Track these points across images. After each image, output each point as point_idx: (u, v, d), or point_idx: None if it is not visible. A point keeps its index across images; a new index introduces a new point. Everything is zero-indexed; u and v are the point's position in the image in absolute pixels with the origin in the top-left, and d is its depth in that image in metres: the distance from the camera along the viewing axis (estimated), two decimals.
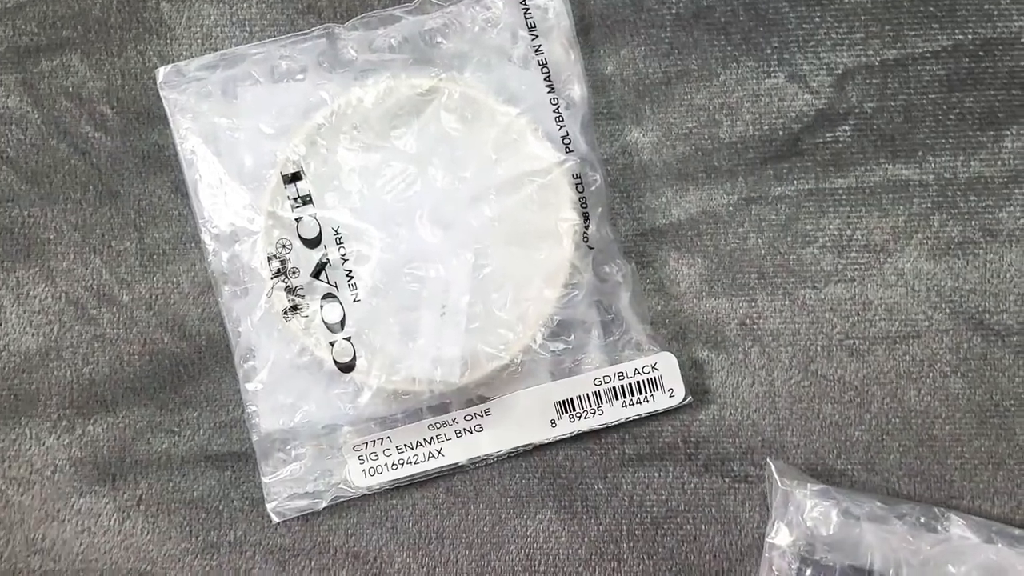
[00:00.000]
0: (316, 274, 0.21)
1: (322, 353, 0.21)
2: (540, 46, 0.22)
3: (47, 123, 0.22)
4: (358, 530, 0.22)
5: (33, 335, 0.22)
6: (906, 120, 0.21)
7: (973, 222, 0.21)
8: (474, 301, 0.21)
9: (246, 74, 0.22)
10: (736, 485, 0.21)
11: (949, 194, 0.21)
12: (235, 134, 0.22)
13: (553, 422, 0.21)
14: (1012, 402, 0.21)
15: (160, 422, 0.22)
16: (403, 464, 0.21)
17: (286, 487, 0.21)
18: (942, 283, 0.21)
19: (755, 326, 0.21)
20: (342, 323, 0.21)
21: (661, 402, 0.21)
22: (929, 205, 0.21)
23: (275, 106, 0.22)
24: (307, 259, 0.21)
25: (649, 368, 0.21)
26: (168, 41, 0.22)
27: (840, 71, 0.21)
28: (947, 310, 0.21)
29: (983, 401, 0.21)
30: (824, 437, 0.21)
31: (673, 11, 0.22)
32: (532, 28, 0.22)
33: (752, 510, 0.21)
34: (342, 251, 0.21)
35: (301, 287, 0.21)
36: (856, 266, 0.21)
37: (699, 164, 0.22)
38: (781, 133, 0.22)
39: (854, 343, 0.21)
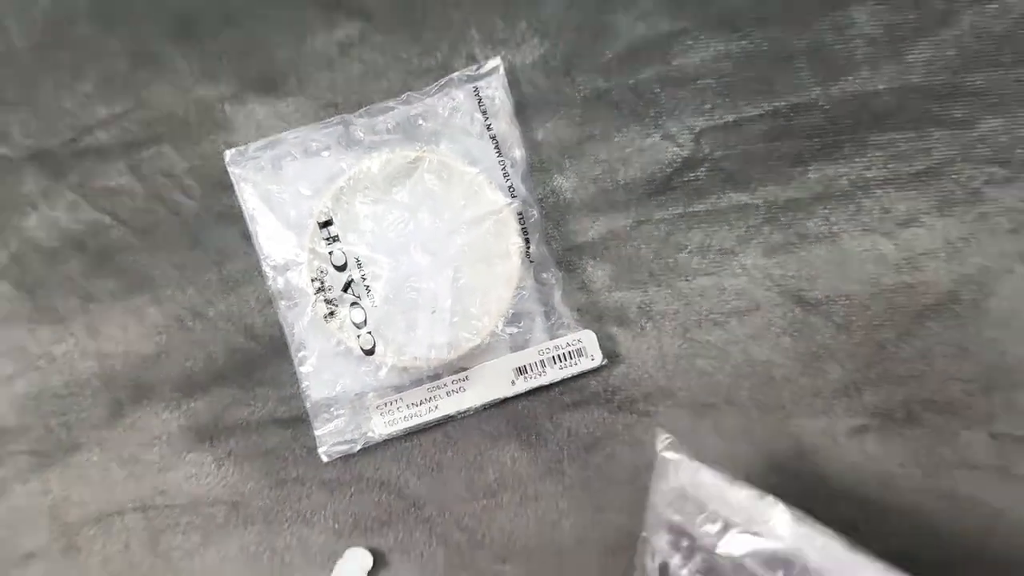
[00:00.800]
0: (344, 289, 0.30)
1: (352, 343, 0.30)
2: (490, 124, 0.31)
3: (149, 194, 0.31)
4: (382, 464, 0.31)
5: (148, 343, 0.31)
6: (743, 162, 0.31)
7: (791, 230, 0.30)
8: (454, 304, 0.30)
9: (287, 152, 0.31)
10: (640, 419, 0.30)
11: (774, 212, 0.30)
12: (282, 195, 0.31)
13: (513, 382, 0.30)
14: (824, 350, 0.30)
15: (241, 398, 0.31)
16: (411, 417, 0.30)
17: (331, 437, 0.30)
18: (773, 272, 0.30)
19: (648, 309, 0.31)
20: (365, 322, 0.30)
21: (585, 365, 0.30)
22: (760, 220, 0.30)
23: (309, 175, 0.31)
24: (338, 280, 0.30)
25: (576, 342, 0.30)
26: (231, 132, 0.31)
27: (697, 131, 0.31)
28: (777, 290, 0.30)
29: (805, 352, 0.30)
30: (699, 383, 0.30)
31: (581, 94, 0.31)
32: (484, 112, 0.31)
33: (651, 436, 0.30)
34: (362, 273, 0.30)
35: (335, 299, 0.30)
36: (714, 264, 0.31)
37: (604, 200, 0.31)
38: (659, 175, 0.31)
39: (716, 317, 0.30)
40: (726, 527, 0.30)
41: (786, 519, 0.29)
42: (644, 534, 0.30)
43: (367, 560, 0.30)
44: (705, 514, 0.29)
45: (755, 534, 0.29)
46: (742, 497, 0.29)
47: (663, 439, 0.29)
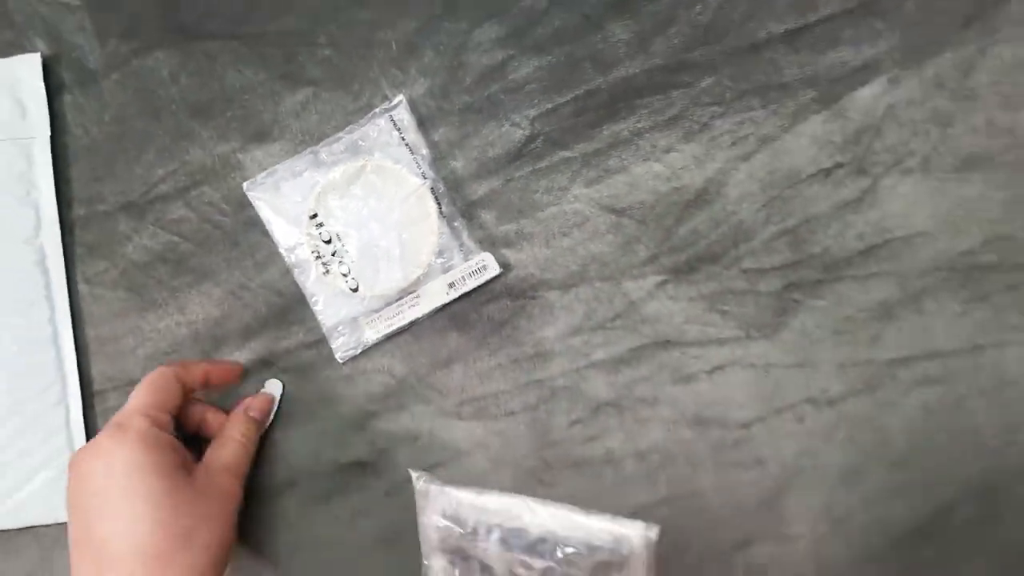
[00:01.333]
0: (332, 254, 0.48)
1: (343, 287, 0.48)
2: (403, 136, 0.48)
3: (200, 218, 0.49)
4: (376, 358, 0.49)
5: (217, 311, 0.49)
6: (562, 132, 0.49)
7: (600, 168, 0.48)
8: (402, 251, 0.48)
9: (282, 177, 0.49)
10: (530, 301, 0.48)
11: (587, 158, 0.48)
12: (284, 204, 0.49)
13: (447, 293, 0.48)
14: (633, 238, 0.48)
15: (281, 335, 0.49)
16: (389, 326, 0.48)
17: (342, 347, 0.48)
18: (593, 196, 0.48)
19: (522, 233, 0.49)
20: (348, 272, 0.48)
21: (490, 274, 0.48)
22: (579, 165, 0.48)
23: (298, 188, 0.49)
24: (327, 250, 0.48)
25: (481, 262, 0.48)
26: (244, 170, 0.49)
27: (531, 117, 0.49)
28: (598, 207, 0.48)
29: (622, 242, 0.48)
30: (562, 273, 0.48)
31: (456, 107, 0.49)
32: (398, 129, 0.48)
33: (534, 310, 0.49)
34: (341, 243, 0.48)
35: (328, 261, 0.48)
36: (557, 198, 0.49)
37: (483, 170, 0.49)
38: (513, 150, 0.49)
39: (564, 230, 0.48)
40: (488, 531, 0.41)
41: (534, 508, 0.40)
42: (424, 562, 0.42)
43: (278, 388, 0.48)
44: (469, 527, 0.41)
45: (513, 528, 0.40)
46: (493, 502, 0.41)
47: (416, 476, 0.43)
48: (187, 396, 0.45)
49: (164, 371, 0.44)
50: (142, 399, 0.42)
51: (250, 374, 0.49)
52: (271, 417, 0.48)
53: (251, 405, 0.47)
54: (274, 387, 0.48)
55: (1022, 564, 0.46)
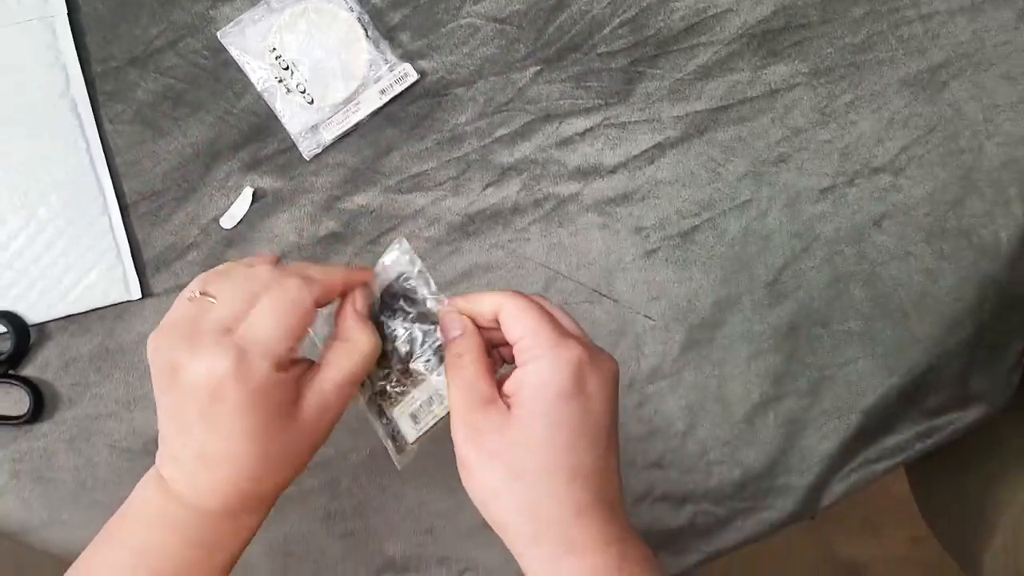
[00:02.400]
0: (291, 78, 0.64)
1: (302, 101, 0.63)
2: None
3: (188, 63, 0.65)
4: (334, 154, 0.64)
5: (211, 132, 0.65)
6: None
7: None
8: (343, 68, 0.64)
9: (247, 24, 0.64)
10: (442, 98, 0.64)
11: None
12: (250, 45, 0.64)
13: (380, 98, 0.64)
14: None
15: (260, 146, 0.65)
16: (340, 126, 0.64)
17: (307, 147, 0.64)
18: (485, 11, 0.64)
19: (431, 47, 0.64)
20: (305, 90, 0.64)
21: (410, 80, 0.63)
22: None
23: (259, 32, 0.64)
24: (287, 75, 0.64)
25: (402, 71, 0.64)
26: (217, 23, 0.65)
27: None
28: (489, 19, 0.64)
29: (508, 45, 0.64)
30: (465, 70, 0.64)
31: None
32: None
33: (447, 104, 0.64)
34: (297, 69, 0.64)
35: (287, 83, 0.64)
36: (454, 18, 0.64)
37: (397, 1, 0.64)
38: None
39: (461, 40, 0.64)
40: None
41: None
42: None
43: (249, 193, 0.64)
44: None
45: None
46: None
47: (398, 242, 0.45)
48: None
49: (303, 294, 0.39)
50: (274, 328, 0.38)
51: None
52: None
53: (355, 299, 0.43)
54: (247, 195, 0.64)
55: None
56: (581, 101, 0.64)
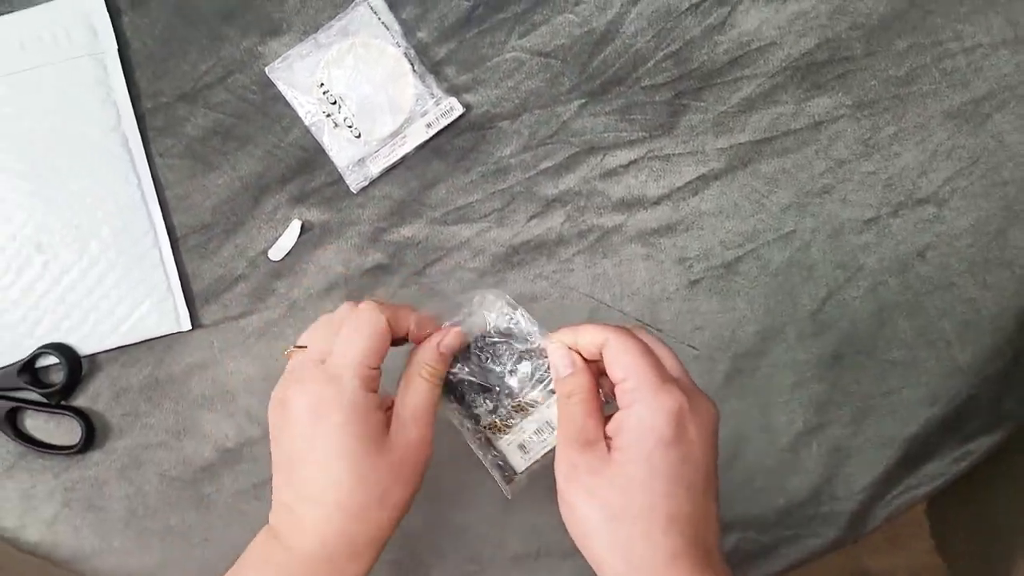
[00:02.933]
0: (338, 113, 0.65)
1: (349, 136, 0.64)
2: (380, 18, 0.64)
3: (236, 98, 0.65)
4: (380, 187, 0.65)
5: (259, 166, 0.66)
6: None
7: (534, 20, 0.65)
8: (390, 102, 0.65)
9: (295, 60, 0.64)
10: (487, 131, 0.65)
11: (521, 18, 0.65)
12: (298, 80, 0.64)
13: (426, 131, 0.64)
14: None
15: (307, 179, 0.66)
16: (388, 159, 0.65)
17: (354, 180, 0.65)
18: (530, 45, 0.65)
19: (476, 81, 0.65)
20: (352, 124, 0.65)
21: (456, 114, 0.64)
22: (513, 23, 0.65)
23: (307, 67, 0.64)
24: (334, 110, 0.64)
25: (448, 105, 0.64)
26: (265, 59, 0.65)
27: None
28: (534, 53, 0.65)
29: (553, 79, 0.65)
30: (509, 104, 0.65)
31: None
32: (376, 13, 0.64)
33: (492, 137, 0.65)
34: (344, 103, 0.64)
35: (335, 117, 0.64)
36: (499, 52, 0.65)
37: (443, 36, 0.65)
38: (461, 16, 0.65)
39: (506, 74, 0.65)
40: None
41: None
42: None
43: (297, 226, 0.64)
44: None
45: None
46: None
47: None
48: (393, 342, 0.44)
49: (376, 315, 0.43)
50: (356, 348, 0.42)
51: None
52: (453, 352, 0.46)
53: (443, 340, 0.45)
54: (294, 227, 0.64)
55: None
56: (625, 134, 0.64)
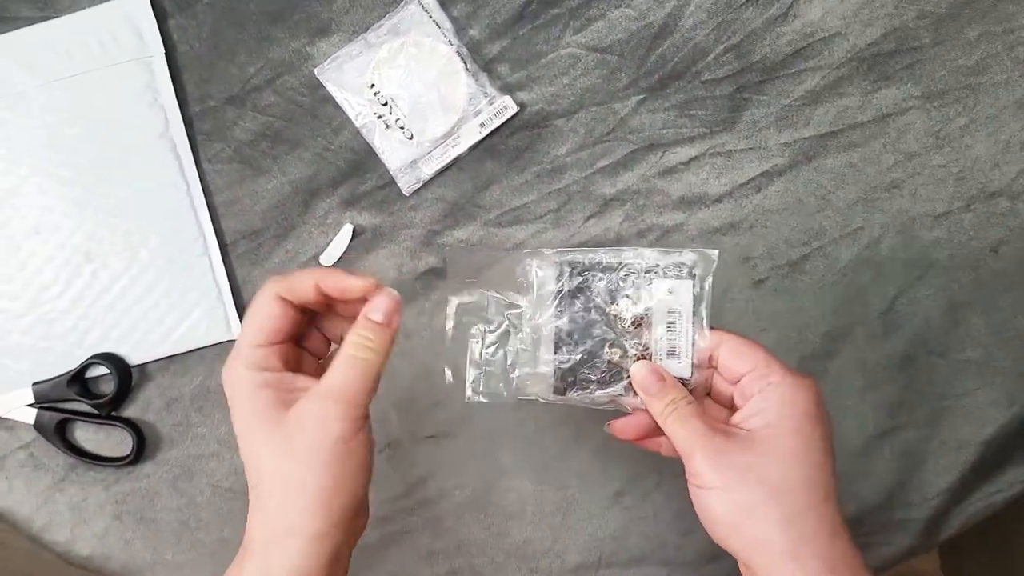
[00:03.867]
0: (390, 114, 0.63)
1: (402, 138, 0.62)
2: (431, 15, 0.63)
3: (285, 101, 0.64)
4: (433, 189, 0.63)
5: (309, 170, 0.64)
6: None
7: (590, 15, 0.63)
8: (441, 101, 0.63)
9: (344, 60, 0.63)
10: (543, 129, 0.63)
11: (576, 12, 0.63)
12: (348, 81, 0.63)
13: (479, 131, 0.63)
14: None
15: (360, 180, 0.64)
16: (440, 161, 0.63)
17: (406, 182, 0.63)
18: (586, 40, 0.63)
19: (530, 78, 0.63)
20: (404, 126, 0.63)
21: (510, 113, 0.62)
22: (568, 18, 0.63)
23: (357, 67, 0.63)
24: (385, 111, 0.63)
25: (503, 104, 0.63)
26: (314, 60, 0.64)
27: None
28: (590, 48, 0.63)
29: (609, 75, 0.63)
30: (565, 101, 0.63)
31: None
32: (427, 11, 0.63)
33: (548, 135, 0.63)
34: (396, 104, 0.63)
35: (386, 119, 0.63)
36: (553, 48, 0.63)
37: (496, 33, 0.63)
38: (514, 13, 0.63)
39: (561, 70, 0.63)
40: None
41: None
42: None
43: (349, 230, 0.63)
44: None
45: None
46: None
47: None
48: (303, 314, 0.43)
49: (263, 293, 0.41)
50: (243, 332, 0.41)
51: (341, 219, 0.64)
52: (396, 321, 0.42)
53: (369, 307, 0.41)
54: (346, 232, 0.63)
55: None
56: (685, 130, 0.62)
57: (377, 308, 0.41)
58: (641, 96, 0.63)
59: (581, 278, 0.46)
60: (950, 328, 0.61)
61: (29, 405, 0.63)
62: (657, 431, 0.44)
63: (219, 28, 0.63)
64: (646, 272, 0.45)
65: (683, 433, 0.41)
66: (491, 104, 0.63)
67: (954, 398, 0.61)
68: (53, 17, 0.63)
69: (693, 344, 0.45)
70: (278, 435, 0.39)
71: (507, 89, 0.63)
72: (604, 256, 0.46)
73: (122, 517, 0.64)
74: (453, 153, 0.63)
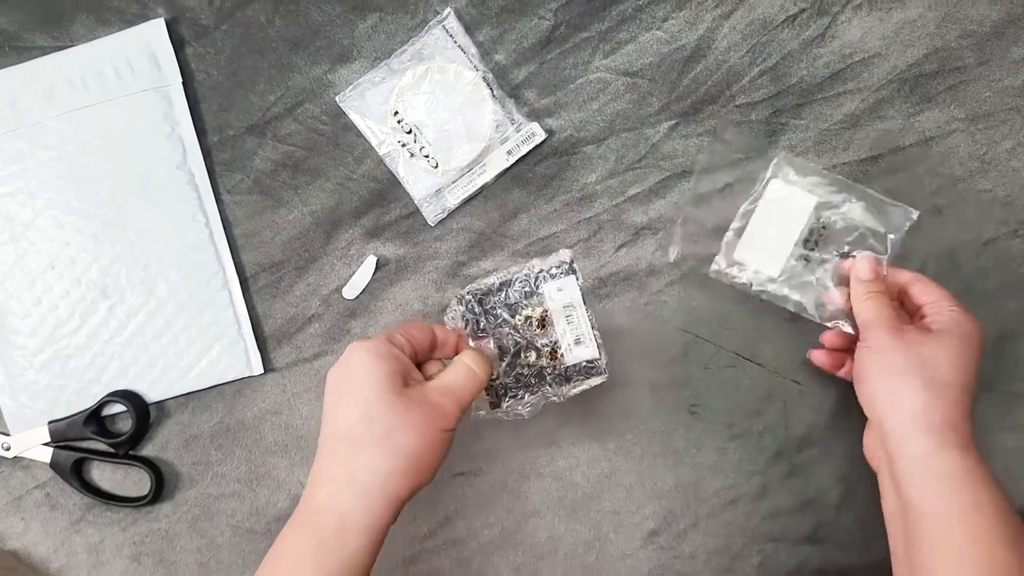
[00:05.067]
0: (414, 142, 0.61)
1: (427, 167, 0.61)
2: (456, 41, 0.61)
3: (306, 129, 0.62)
4: (459, 219, 0.61)
5: (331, 200, 0.62)
6: (582, 15, 0.61)
7: (619, 38, 0.61)
8: (467, 128, 0.61)
9: (366, 87, 0.61)
10: (571, 157, 0.61)
11: (605, 36, 0.61)
12: (370, 108, 0.61)
13: (507, 159, 0.61)
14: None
15: (384, 210, 0.62)
16: (466, 190, 0.61)
17: (431, 212, 0.61)
18: (615, 64, 0.61)
19: (558, 104, 0.61)
20: (428, 155, 0.61)
21: (538, 139, 0.60)
22: (597, 42, 0.61)
23: (380, 94, 0.61)
24: (410, 139, 0.61)
25: (530, 131, 0.61)
26: (335, 87, 0.62)
27: (554, 8, 0.61)
28: (620, 72, 0.61)
29: (640, 100, 0.61)
30: (594, 129, 0.61)
31: (494, 11, 0.61)
32: (451, 36, 0.61)
33: (577, 163, 0.61)
34: (420, 132, 0.61)
35: (410, 147, 0.61)
36: (582, 73, 0.61)
37: (522, 57, 0.61)
38: (541, 37, 0.61)
39: (590, 95, 0.61)
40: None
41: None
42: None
43: (372, 262, 0.61)
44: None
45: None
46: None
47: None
48: (435, 350, 0.51)
49: (427, 321, 0.51)
50: (396, 327, 0.50)
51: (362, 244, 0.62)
52: (496, 367, 0.52)
53: (481, 344, 0.52)
54: (370, 263, 0.61)
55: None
56: (719, 156, 0.60)
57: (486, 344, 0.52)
58: (674, 121, 0.60)
59: (484, 304, 0.52)
60: (998, 359, 0.59)
61: (45, 444, 0.62)
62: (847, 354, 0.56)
63: (238, 56, 0.62)
64: (535, 279, 0.52)
65: (874, 310, 0.51)
66: (518, 131, 0.61)
67: (1003, 431, 0.59)
68: (69, 46, 0.61)
69: (593, 327, 0.52)
70: (398, 400, 0.45)
71: (535, 115, 0.61)
72: (496, 278, 0.52)
73: (140, 559, 0.62)
74: (479, 182, 0.61)
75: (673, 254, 0.59)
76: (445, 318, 0.53)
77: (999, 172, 0.59)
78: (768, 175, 0.58)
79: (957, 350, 0.48)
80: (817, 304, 0.56)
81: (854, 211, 0.56)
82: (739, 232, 0.58)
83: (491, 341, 0.52)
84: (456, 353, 0.51)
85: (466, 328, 0.52)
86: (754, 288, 0.58)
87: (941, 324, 0.50)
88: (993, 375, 0.59)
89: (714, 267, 0.58)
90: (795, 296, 0.57)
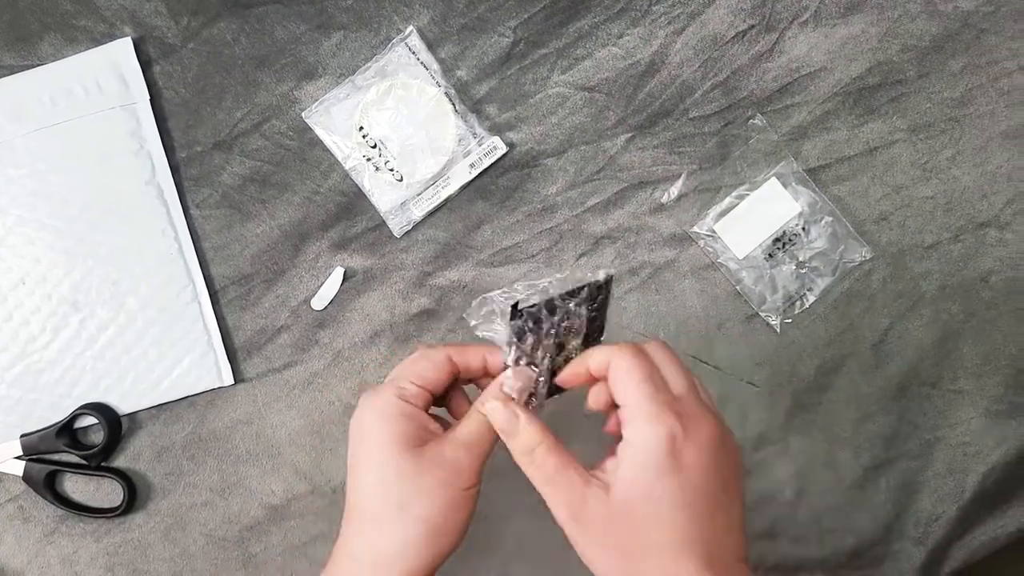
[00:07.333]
0: (379, 156, 0.63)
1: (391, 180, 0.62)
2: (418, 57, 0.63)
3: (273, 145, 0.64)
4: (424, 230, 0.63)
5: (298, 213, 0.63)
6: (541, 33, 0.63)
7: (577, 54, 0.63)
8: (431, 141, 0.63)
9: (332, 103, 0.63)
10: (533, 169, 0.63)
11: (563, 52, 0.63)
12: (336, 124, 0.63)
13: (469, 172, 0.63)
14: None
15: (350, 223, 0.63)
16: (431, 203, 0.63)
17: (396, 224, 0.63)
18: (573, 80, 0.63)
19: (519, 118, 0.63)
20: (393, 168, 0.63)
21: (499, 153, 0.62)
22: (555, 58, 0.63)
23: (345, 110, 0.63)
24: (374, 153, 0.63)
25: (491, 144, 0.63)
26: (301, 104, 0.63)
27: (513, 26, 0.63)
28: (577, 87, 0.63)
29: (598, 114, 0.63)
30: (554, 143, 0.63)
31: (455, 28, 0.63)
32: (414, 52, 0.63)
33: (537, 175, 0.63)
34: (385, 146, 0.63)
35: (376, 161, 0.63)
36: (541, 88, 0.63)
37: (483, 74, 0.63)
38: (501, 54, 0.63)
39: (549, 110, 0.63)
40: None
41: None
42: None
43: (340, 273, 0.62)
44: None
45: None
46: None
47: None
48: (458, 378, 0.46)
49: (436, 349, 0.45)
50: (401, 370, 0.44)
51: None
52: (531, 397, 0.44)
53: (505, 381, 0.44)
54: (337, 275, 0.62)
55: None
56: (675, 166, 0.62)
57: (510, 385, 0.44)
58: (630, 134, 0.63)
59: (541, 326, 0.44)
60: (942, 358, 0.62)
61: (17, 457, 0.62)
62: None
63: (205, 73, 0.63)
64: (574, 301, 0.45)
65: (549, 488, 0.41)
66: (480, 145, 0.63)
67: (948, 428, 0.62)
68: (37, 65, 0.62)
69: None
70: (411, 465, 0.41)
71: (496, 129, 0.63)
72: (539, 296, 0.44)
73: (114, 569, 0.63)
74: (443, 194, 0.63)
75: (673, 194, 0.62)
76: (477, 325, 0.46)
77: (940, 180, 0.62)
78: (772, 172, 0.60)
79: (652, 507, 0.38)
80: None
81: (823, 235, 0.59)
82: (728, 209, 0.61)
83: (534, 368, 0.44)
84: (484, 374, 0.46)
85: (511, 350, 0.44)
86: (719, 260, 0.61)
87: (625, 473, 0.39)
88: (937, 374, 0.62)
89: (695, 228, 0.61)
90: (748, 281, 0.61)
